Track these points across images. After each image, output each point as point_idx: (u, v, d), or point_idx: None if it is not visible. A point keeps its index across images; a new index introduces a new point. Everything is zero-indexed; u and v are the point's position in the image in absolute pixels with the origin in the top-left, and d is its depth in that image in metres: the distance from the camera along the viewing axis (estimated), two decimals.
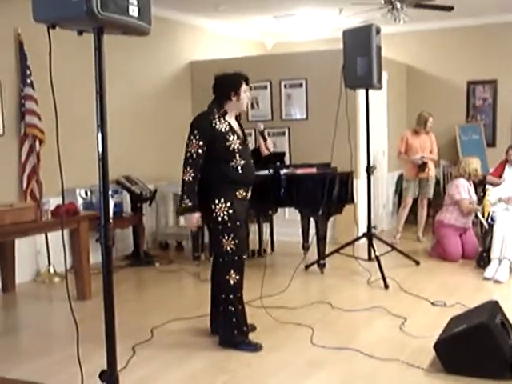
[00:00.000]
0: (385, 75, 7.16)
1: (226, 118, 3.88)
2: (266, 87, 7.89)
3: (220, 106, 3.88)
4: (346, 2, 7.29)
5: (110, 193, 2.58)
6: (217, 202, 3.78)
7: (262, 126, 4.48)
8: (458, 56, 8.85)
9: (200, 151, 3.76)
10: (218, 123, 3.82)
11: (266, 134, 4.51)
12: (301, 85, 7.72)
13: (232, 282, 3.84)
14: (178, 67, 8.09)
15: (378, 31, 5.61)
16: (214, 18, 8.35)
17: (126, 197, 6.78)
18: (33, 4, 2.29)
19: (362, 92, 6.02)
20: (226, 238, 3.80)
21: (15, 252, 5.53)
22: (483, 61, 8.71)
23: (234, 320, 3.86)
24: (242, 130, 4.01)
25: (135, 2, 2.34)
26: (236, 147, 3.82)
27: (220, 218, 3.78)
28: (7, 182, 5.74)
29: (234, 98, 3.88)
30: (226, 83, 3.93)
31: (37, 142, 5.80)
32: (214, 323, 4.08)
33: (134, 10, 2.34)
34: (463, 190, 6.42)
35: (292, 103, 7.81)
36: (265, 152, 4.41)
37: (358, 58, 5.52)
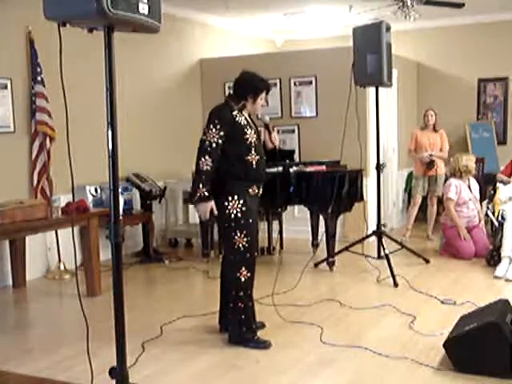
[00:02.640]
0: (395, 73, 7.16)
1: (244, 112, 3.91)
2: (275, 84, 7.87)
3: (238, 101, 3.90)
4: (356, 0, 7.27)
5: (119, 190, 2.59)
6: (230, 198, 3.77)
7: (267, 118, 4.41)
8: (469, 53, 8.81)
9: (220, 141, 3.74)
10: (237, 115, 3.84)
11: (271, 126, 4.46)
12: (310, 82, 7.70)
13: (243, 280, 3.84)
14: (188, 65, 8.10)
15: (388, 28, 5.59)
16: (224, 16, 8.35)
17: (136, 194, 6.79)
18: (44, 2, 2.30)
19: (371, 89, 5.99)
20: (239, 235, 3.79)
21: (26, 249, 5.57)
22: (494, 58, 8.66)
23: (244, 317, 3.86)
24: (256, 126, 4.02)
25: (145, 0, 2.35)
26: (253, 141, 3.84)
27: (233, 215, 3.77)
28: (18, 179, 5.77)
29: (250, 100, 3.91)
30: (249, 84, 3.95)
31: (47, 140, 5.82)
32: (224, 320, 4.08)
33: (144, 8, 2.34)
34: (451, 189, 6.42)
35: (302, 101, 7.79)
36: (269, 145, 4.35)
37: (368, 56, 5.50)
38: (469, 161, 6.56)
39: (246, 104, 3.91)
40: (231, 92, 4.03)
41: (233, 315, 3.89)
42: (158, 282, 5.99)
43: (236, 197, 3.78)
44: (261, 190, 3.99)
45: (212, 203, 3.77)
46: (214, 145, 3.73)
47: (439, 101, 8.47)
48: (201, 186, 3.73)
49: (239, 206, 3.78)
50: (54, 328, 4.47)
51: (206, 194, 3.73)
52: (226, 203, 3.78)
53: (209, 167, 3.73)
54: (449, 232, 6.47)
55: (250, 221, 3.83)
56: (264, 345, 3.84)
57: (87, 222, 5.17)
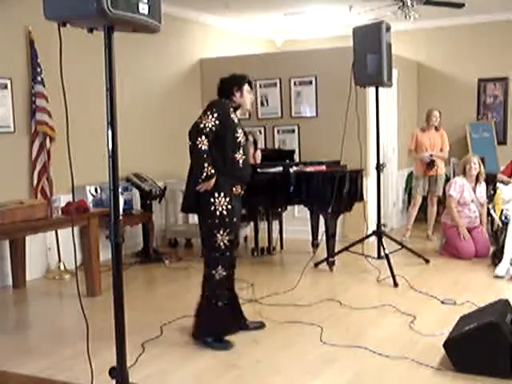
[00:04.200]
0: (395, 73, 7.16)
1: (236, 112, 3.99)
2: (275, 84, 7.88)
3: (230, 100, 3.95)
4: (356, 0, 7.27)
5: (119, 190, 2.59)
6: (217, 195, 3.79)
7: (257, 134, 4.45)
8: (469, 53, 8.81)
9: (214, 128, 3.76)
10: (232, 113, 3.90)
11: (258, 144, 4.49)
12: (310, 82, 7.70)
13: (217, 277, 3.86)
14: (188, 65, 8.10)
15: (388, 28, 5.59)
16: (224, 16, 8.35)
17: (136, 194, 6.79)
18: (44, 2, 2.30)
19: (372, 89, 5.99)
20: (222, 233, 3.80)
21: (26, 249, 5.57)
22: (494, 58, 8.66)
23: (216, 315, 3.87)
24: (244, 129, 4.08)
25: (145, 0, 2.35)
26: (242, 141, 3.91)
27: (218, 213, 3.78)
28: (18, 179, 5.77)
29: (237, 94, 3.97)
30: (229, 81, 4.03)
31: (47, 140, 5.82)
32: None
33: (144, 8, 2.34)
34: (453, 187, 6.43)
35: (302, 101, 7.79)
36: (251, 161, 4.35)
37: (368, 56, 5.50)
38: (470, 163, 6.53)
39: (233, 100, 3.95)
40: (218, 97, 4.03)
41: (204, 312, 3.90)
42: (157, 282, 5.99)
43: (223, 194, 3.80)
44: (243, 191, 4.02)
45: (214, 179, 3.77)
46: (208, 129, 3.74)
47: (439, 101, 8.46)
48: (206, 164, 3.72)
49: (225, 203, 3.80)
50: (53, 328, 4.47)
51: (213, 171, 3.74)
52: (213, 200, 3.78)
53: (206, 147, 3.74)
54: (449, 232, 6.47)
55: (234, 220, 3.85)
56: (226, 345, 3.84)
57: (87, 222, 5.17)
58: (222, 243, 3.82)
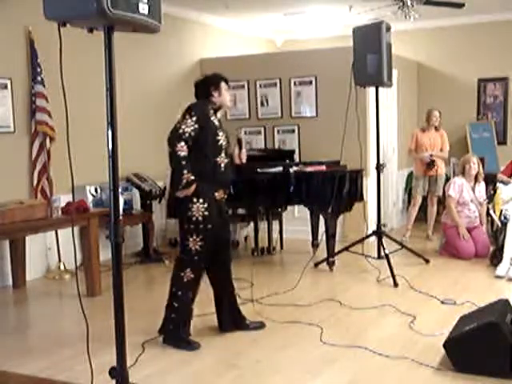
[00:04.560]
0: (395, 73, 7.16)
1: (217, 114, 3.95)
2: (275, 84, 7.88)
3: (210, 101, 3.90)
4: (356, 0, 7.27)
5: (119, 190, 2.59)
6: (195, 200, 3.77)
7: (241, 134, 4.40)
8: (469, 53, 8.81)
9: (193, 133, 3.73)
10: (212, 115, 3.86)
11: (243, 143, 4.43)
12: (310, 82, 7.70)
13: (185, 280, 3.87)
14: (188, 65, 8.09)
15: (389, 28, 5.59)
16: (224, 16, 8.35)
17: (136, 194, 6.79)
18: (44, 2, 2.30)
19: (371, 89, 5.99)
20: (194, 237, 3.80)
21: (26, 249, 5.57)
22: (494, 58, 8.66)
23: (174, 316, 3.88)
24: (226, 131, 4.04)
25: (145, 0, 2.35)
26: (224, 144, 3.87)
27: (194, 218, 3.78)
28: (18, 179, 5.77)
29: (215, 93, 3.91)
30: (206, 81, 3.98)
31: (47, 140, 5.82)
32: (221, 319, 4.13)
33: (144, 8, 2.35)
34: (453, 187, 6.42)
35: (302, 101, 7.79)
36: (237, 161, 4.25)
37: (368, 56, 5.50)
38: (469, 163, 6.53)
39: (212, 100, 3.90)
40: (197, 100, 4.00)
41: (169, 313, 3.91)
42: (157, 282, 5.98)
43: (201, 200, 3.78)
44: (226, 195, 4.01)
45: (194, 185, 3.75)
46: (187, 134, 3.72)
47: (439, 101, 8.46)
48: (185, 171, 3.72)
49: (202, 209, 3.78)
50: (54, 328, 4.47)
51: (192, 177, 3.73)
52: (191, 205, 3.78)
53: (185, 153, 3.72)
54: (449, 232, 6.47)
55: (209, 226, 3.82)
56: (193, 346, 3.84)
57: (87, 222, 5.17)
58: (193, 248, 3.82)
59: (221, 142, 3.85)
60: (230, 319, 4.14)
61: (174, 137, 3.73)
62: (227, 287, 4.12)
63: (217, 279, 4.11)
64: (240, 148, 4.24)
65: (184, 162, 3.72)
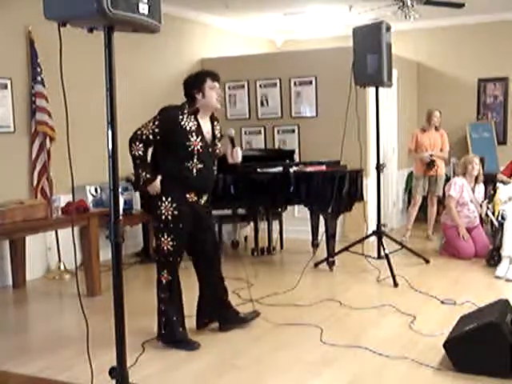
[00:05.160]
0: (395, 73, 7.15)
1: (198, 116, 3.82)
2: (275, 84, 7.88)
3: (192, 104, 3.84)
4: (356, 0, 7.27)
5: (119, 190, 2.59)
6: (164, 199, 3.76)
7: (232, 132, 4.26)
8: (469, 53, 8.81)
9: (151, 136, 3.74)
10: (184, 120, 3.76)
11: (235, 141, 4.24)
12: (310, 82, 7.70)
13: (164, 282, 3.86)
14: (189, 65, 8.09)
15: (389, 28, 5.59)
16: (224, 16, 8.35)
17: (136, 194, 6.78)
18: (44, 2, 2.30)
19: (371, 89, 5.99)
20: (165, 237, 3.78)
21: (26, 249, 5.57)
22: (494, 58, 8.66)
23: (164, 319, 3.88)
24: (214, 133, 3.92)
25: (145, 0, 2.35)
26: (196, 149, 3.76)
27: (164, 217, 3.76)
28: (18, 179, 5.77)
29: (198, 96, 3.82)
30: (189, 83, 3.90)
31: (47, 140, 5.82)
32: (200, 319, 4.16)
33: (144, 8, 2.35)
34: (454, 187, 6.42)
35: (302, 101, 7.79)
36: (229, 160, 4.15)
37: (368, 56, 5.50)
38: (471, 163, 6.53)
39: (199, 103, 3.82)
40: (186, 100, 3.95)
41: (159, 315, 3.92)
42: None
43: (170, 199, 3.76)
44: (204, 199, 3.92)
45: (157, 181, 3.75)
46: (144, 136, 3.74)
47: (439, 101, 8.46)
48: (140, 171, 3.75)
49: (171, 209, 3.76)
50: (54, 328, 4.47)
51: (148, 175, 3.74)
52: (160, 203, 3.77)
53: (141, 152, 3.74)
54: (449, 232, 6.47)
55: (181, 226, 3.79)
56: (191, 347, 3.84)
57: (87, 222, 5.17)
58: (165, 247, 3.80)
59: (192, 146, 3.74)
60: (207, 314, 4.14)
61: (132, 138, 3.77)
62: (213, 285, 4.11)
63: (201, 276, 4.12)
64: (233, 146, 4.14)
65: (138, 162, 3.75)
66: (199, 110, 3.83)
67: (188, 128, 3.75)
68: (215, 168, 3.96)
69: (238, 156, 4.10)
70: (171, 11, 7.32)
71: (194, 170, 3.78)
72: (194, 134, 3.76)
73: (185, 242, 3.87)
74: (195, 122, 3.80)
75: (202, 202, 3.93)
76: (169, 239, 3.78)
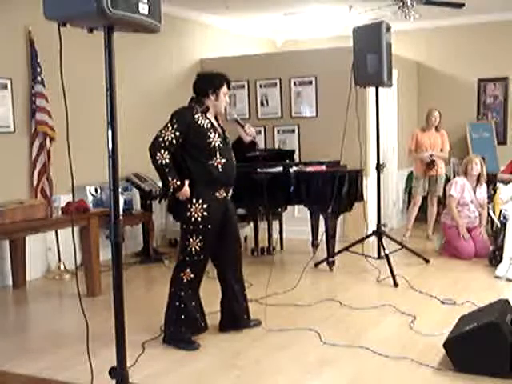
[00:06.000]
0: (395, 73, 7.15)
1: (208, 115, 3.87)
2: (275, 85, 7.88)
3: (201, 102, 3.87)
4: (356, 0, 7.27)
5: (119, 190, 2.59)
6: (194, 201, 3.77)
7: (235, 115, 4.26)
8: (469, 53, 8.81)
9: (174, 141, 3.73)
10: (200, 119, 3.80)
11: (242, 121, 4.27)
12: (310, 82, 7.70)
13: (185, 280, 3.86)
14: (188, 65, 8.09)
15: (389, 28, 5.59)
16: (224, 16, 8.35)
17: (136, 194, 6.80)
18: (44, 2, 2.31)
19: (371, 89, 5.99)
20: (194, 238, 3.80)
21: (26, 249, 5.57)
22: (494, 58, 8.66)
23: (184, 317, 3.87)
24: (223, 128, 3.98)
25: (145, 0, 2.35)
26: (217, 145, 3.81)
27: (193, 219, 3.77)
28: (18, 179, 5.77)
29: (212, 97, 3.87)
30: (207, 81, 3.92)
31: (47, 140, 5.82)
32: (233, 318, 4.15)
33: (144, 8, 2.35)
34: (455, 187, 6.42)
35: (302, 101, 7.79)
36: (247, 139, 4.20)
37: (368, 56, 5.50)
38: (471, 163, 6.53)
39: (209, 103, 3.86)
40: (193, 95, 3.98)
41: (171, 313, 3.90)
42: (157, 282, 5.97)
43: (200, 201, 3.77)
44: (229, 193, 3.98)
45: (186, 186, 3.75)
46: (167, 143, 3.73)
47: (439, 101, 8.46)
48: (170, 178, 3.73)
49: (201, 210, 3.77)
50: (53, 328, 4.47)
51: (178, 182, 3.73)
52: (189, 205, 3.77)
53: (168, 160, 3.72)
54: (449, 232, 6.47)
55: (209, 227, 3.81)
56: (193, 346, 3.84)
57: (87, 222, 5.17)
58: (193, 248, 3.81)
59: (213, 143, 3.79)
60: (230, 318, 4.14)
61: (154, 146, 3.75)
62: (233, 285, 4.10)
63: (223, 276, 4.10)
64: (242, 126, 4.18)
65: (167, 170, 3.74)
66: (209, 108, 3.88)
67: (205, 126, 3.80)
68: (235, 160, 4.00)
69: (251, 131, 4.18)
70: (171, 11, 7.32)
71: (219, 166, 3.81)
72: (211, 130, 3.82)
73: (212, 242, 3.89)
74: (208, 120, 3.85)
75: (228, 196, 3.98)
76: (197, 240, 3.80)
